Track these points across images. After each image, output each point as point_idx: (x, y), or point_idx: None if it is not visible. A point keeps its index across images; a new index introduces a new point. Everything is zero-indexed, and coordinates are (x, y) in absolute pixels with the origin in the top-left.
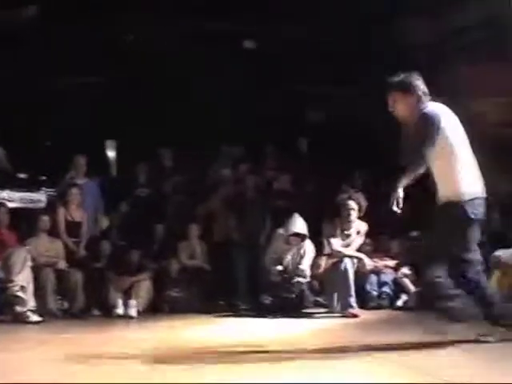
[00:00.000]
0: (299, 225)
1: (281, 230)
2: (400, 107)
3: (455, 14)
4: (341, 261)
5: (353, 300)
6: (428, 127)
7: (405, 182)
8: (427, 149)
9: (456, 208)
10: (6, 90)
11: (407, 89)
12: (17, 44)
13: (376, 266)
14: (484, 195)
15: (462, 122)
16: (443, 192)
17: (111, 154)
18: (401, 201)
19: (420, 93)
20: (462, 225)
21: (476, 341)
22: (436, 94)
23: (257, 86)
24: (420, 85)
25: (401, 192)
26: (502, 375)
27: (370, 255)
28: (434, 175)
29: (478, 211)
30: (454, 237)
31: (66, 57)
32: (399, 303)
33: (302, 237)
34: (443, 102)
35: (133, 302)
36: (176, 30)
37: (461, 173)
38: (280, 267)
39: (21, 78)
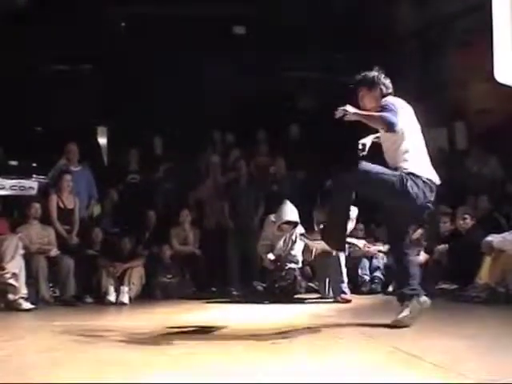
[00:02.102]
0: (290, 212)
1: (272, 217)
2: (366, 101)
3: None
4: None
5: (345, 285)
6: (389, 105)
7: (364, 118)
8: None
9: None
10: None
11: (370, 84)
12: (7, 31)
13: (368, 251)
14: (434, 181)
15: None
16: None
17: (102, 140)
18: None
19: (382, 87)
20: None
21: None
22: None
23: (248, 72)
24: (382, 79)
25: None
26: (491, 359)
27: (362, 240)
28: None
29: (420, 191)
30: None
31: (58, 43)
32: (391, 288)
33: (293, 224)
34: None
35: (125, 289)
36: (167, 17)
37: (409, 154)
38: (272, 256)
39: (13, 63)
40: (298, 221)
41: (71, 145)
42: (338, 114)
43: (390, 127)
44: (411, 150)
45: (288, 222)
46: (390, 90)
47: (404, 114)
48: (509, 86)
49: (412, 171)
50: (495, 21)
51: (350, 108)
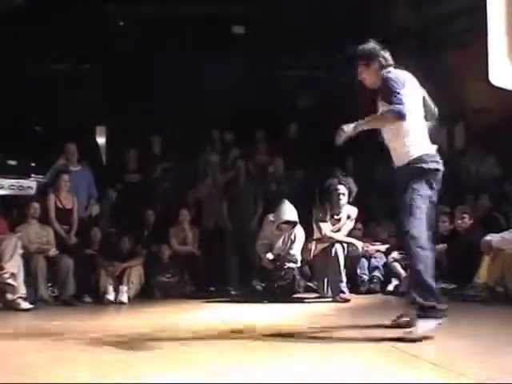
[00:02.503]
0: (289, 212)
1: (271, 217)
2: (366, 76)
3: (438, 2)
4: (331, 246)
5: (343, 285)
6: (391, 84)
7: (368, 125)
8: (401, 97)
9: (410, 168)
10: None
11: (368, 57)
12: (7, 31)
13: (367, 251)
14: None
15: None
16: (397, 156)
17: (101, 140)
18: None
19: (381, 59)
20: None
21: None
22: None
23: (247, 72)
24: (380, 51)
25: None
26: (491, 359)
27: (361, 240)
28: (387, 138)
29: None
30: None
31: (58, 43)
32: (390, 288)
33: (292, 223)
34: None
35: (124, 288)
36: (167, 17)
37: (413, 136)
38: (271, 256)
39: (13, 63)
40: (296, 220)
41: (70, 145)
42: (339, 140)
43: (402, 119)
44: (412, 131)
45: (287, 222)
46: (390, 62)
47: (407, 90)
48: (504, 89)
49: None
50: (490, 25)
51: (347, 127)
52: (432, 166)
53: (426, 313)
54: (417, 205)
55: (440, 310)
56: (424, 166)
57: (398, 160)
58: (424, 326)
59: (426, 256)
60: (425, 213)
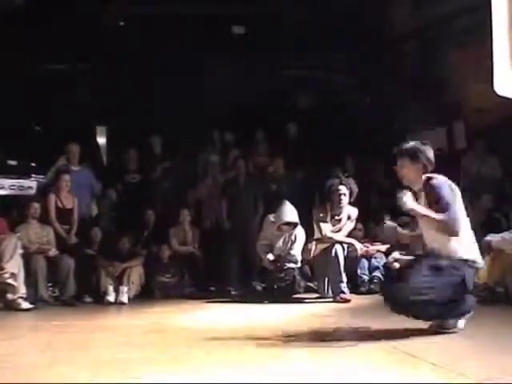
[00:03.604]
0: (290, 213)
1: (271, 217)
2: (406, 171)
3: (438, 2)
4: (331, 246)
5: (344, 285)
6: (444, 194)
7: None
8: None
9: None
10: None
11: (414, 156)
12: (7, 31)
13: (367, 251)
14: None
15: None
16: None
17: (101, 140)
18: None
19: (425, 162)
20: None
21: None
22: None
23: (247, 72)
24: (427, 153)
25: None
26: (491, 359)
27: (361, 240)
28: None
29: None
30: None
31: (58, 43)
32: None
33: (293, 224)
34: None
35: (124, 289)
36: (167, 17)
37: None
38: (272, 256)
39: (13, 63)
40: (297, 221)
41: (73, 145)
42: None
43: (455, 234)
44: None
45: (287, 223)
46: (433, 166)
47: (455, 195)
48: (508, 98)
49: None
50: (494, 34)
51: (409, 202)
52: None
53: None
54: None
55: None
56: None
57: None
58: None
59: None
60: None
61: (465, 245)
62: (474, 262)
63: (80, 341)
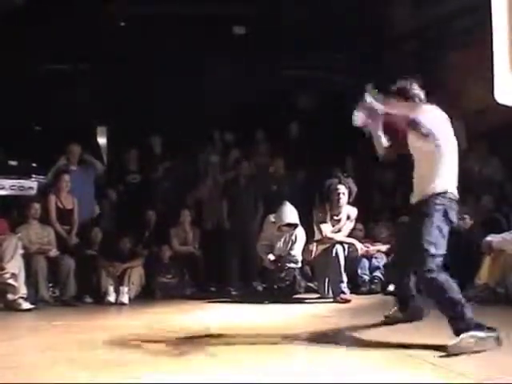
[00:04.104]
0: (290, 214)
1: (272, 217)
2: (398, 112)
3: (439, 2)
4: (332, 246)
5: (344, 285)
6: (419, 128)
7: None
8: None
9: (431, 206)
10: None
11: (405, 95)
12: (7, 31)
13: (367, 251)
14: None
15: (443, 108)
16: (420, 190)
17: (102, 140)
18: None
19: (415, 98)
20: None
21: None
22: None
23: (248, 72)
24: (414, 88)
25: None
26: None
27: (362, 240)
28: (415, 174)
29: (452, 213)
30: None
31: (58, 43)
32: (391, 288)
33: (293, 225)
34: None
35: (124, 289)
36: (167, 17)
37: (443, 175)
38: (272, 257)
39: (13, 63)
40: (297, 222)
41: (74, 146)
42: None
43: (424, 135)
44: (447, 170)
45: (288, 224)
46: (423, 101)
47: (437, 130)
48: (509, 107)
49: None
50: (494, 42)
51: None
52: (454, 207)
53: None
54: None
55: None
56: (447, 203)
57: (421, 191)
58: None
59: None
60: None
61: (445, 178)
62: (451, 193)
63: (80, 341)
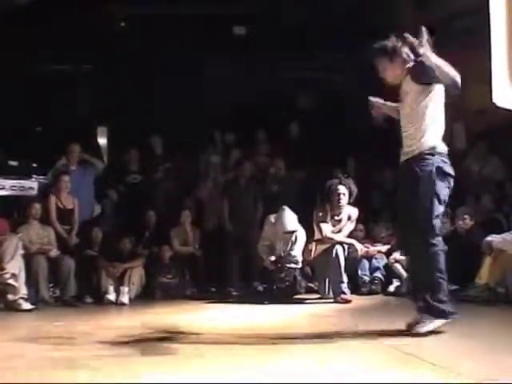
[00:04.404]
0: (290, 221)
1: (272, 218)
2: (389, 73)
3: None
4: (332, 247)
5: (344, 286)
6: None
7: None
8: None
9: (428, 160)
10: None
11: (393, 54)
12: (7, 31)
13: (368, 252)
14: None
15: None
16: (410, 146)
17: (102, 140)
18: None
19: (404, 55)
20: (438, 177)
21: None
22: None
23: (248, 72)
24: (402, 47)
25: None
26: (491, 359)
27: (363, 241)
28: (405, 125)
29: (448, 166)
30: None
31: (58, 43)
32: (391, 289)
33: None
34: None
35: (125, 289)
36: (167, 17)
37: (432, 128)
38: (273, 257)
39: (13, 63)
40: (297, 228)
41: (73, 145)
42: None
43: (458, 86)
44: (434, 121)
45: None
46: (412, 57)
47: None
48: (507, 110)
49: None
50: (492, 48)
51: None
52: (447, 167)
53: (435, 313)
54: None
55: (449, 312)
56: (439, 159)
57: (409, 149)
58: (432, 323)
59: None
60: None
61: (433, 134)
62: (441, 148)
63: (80, 341)
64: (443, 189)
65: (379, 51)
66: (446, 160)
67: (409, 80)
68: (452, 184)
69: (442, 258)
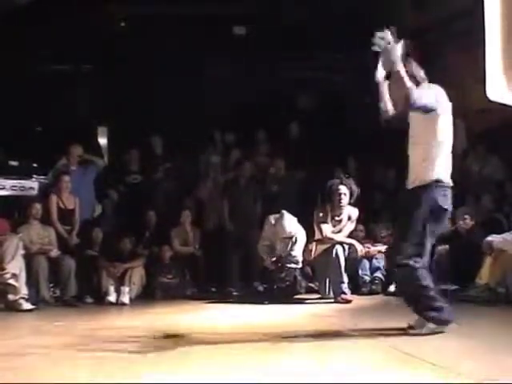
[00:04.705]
0: (289, 226)
1: (272, 218)
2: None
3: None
4: (332, 247)
5: (345, 286)
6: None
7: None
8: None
9: (429, 193)
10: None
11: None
12: (7, 31)
13: (368, 252)
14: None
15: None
16: (416, 175)
17: (103, 140)
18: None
19: (417, 78)
20: (434, 212)
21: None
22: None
23: (248, 72)
24: (412, 69)
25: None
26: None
27: (362, 241)
28: (411, 160)
29: (447, 200)
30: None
31: (58, 43)
32: (392, 289)
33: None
34: None
35: (125, 289)
36: (167, 17)
37: (440, 159)
38: (274, 258)
39: (13, 63)
40: (297, 231)
41: (74, 147)
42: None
43: (415, 104)
44: (443, 151)
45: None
46: (422, 79)
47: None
48: (501, 104)
49: (441, 184)
50: (487, 42)
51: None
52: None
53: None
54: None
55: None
56: (441, 197)
57: (415, 179)
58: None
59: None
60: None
61: (438, 166)
62: (444, 181)
63: (81, 341)
64: (437, 225)
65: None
66: (448, 193)
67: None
68: (446, 217)
69: (424, 274)
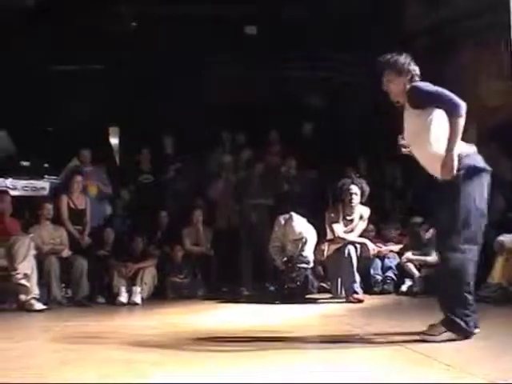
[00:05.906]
0: (298, 228)
1: (282, 218)
2: (393, 86)
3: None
4: (344, 246)
5: (357, 285)
6: (426, 89)
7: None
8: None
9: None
10: (9, 77)
11: (400, 70)
12: (19, 31)
13: (380, 251)
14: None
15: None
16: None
17: (114, 141)
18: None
19: (413, 73)
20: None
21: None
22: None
23: (259, 72)
24: (412, 65)
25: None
26: (505, 359)
27: (374, 240)
28: (417, 155)
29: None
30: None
31: (71, 44)
32: (403, 288)
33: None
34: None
35: (137, 289)
36: (177, 16)
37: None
38: (285, 258)
39: (25, 63)
40: (307, 232)
41: (84, 152)
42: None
43: (460, 111)
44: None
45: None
46: (419, 77)
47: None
48: None
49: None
50: None
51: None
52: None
53: (454, 329)
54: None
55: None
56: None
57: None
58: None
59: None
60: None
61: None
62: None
63: (92, 341)
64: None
65: (388, 63)
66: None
67: (407, 104)
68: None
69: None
